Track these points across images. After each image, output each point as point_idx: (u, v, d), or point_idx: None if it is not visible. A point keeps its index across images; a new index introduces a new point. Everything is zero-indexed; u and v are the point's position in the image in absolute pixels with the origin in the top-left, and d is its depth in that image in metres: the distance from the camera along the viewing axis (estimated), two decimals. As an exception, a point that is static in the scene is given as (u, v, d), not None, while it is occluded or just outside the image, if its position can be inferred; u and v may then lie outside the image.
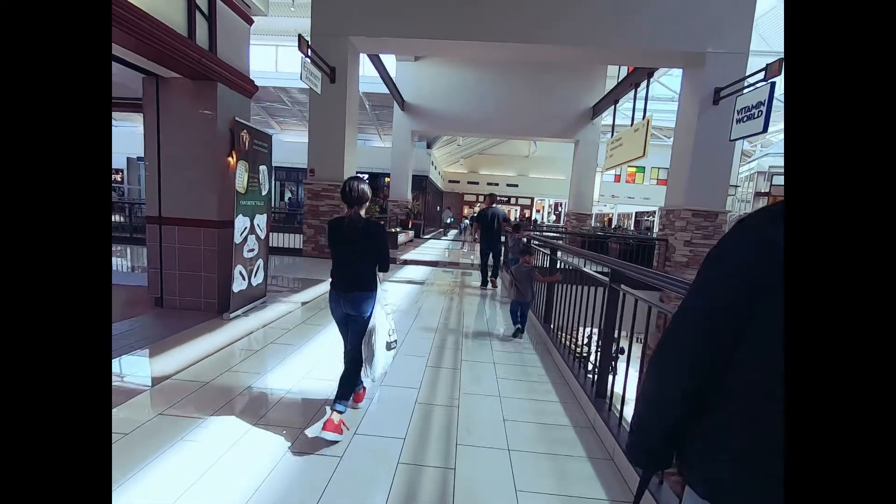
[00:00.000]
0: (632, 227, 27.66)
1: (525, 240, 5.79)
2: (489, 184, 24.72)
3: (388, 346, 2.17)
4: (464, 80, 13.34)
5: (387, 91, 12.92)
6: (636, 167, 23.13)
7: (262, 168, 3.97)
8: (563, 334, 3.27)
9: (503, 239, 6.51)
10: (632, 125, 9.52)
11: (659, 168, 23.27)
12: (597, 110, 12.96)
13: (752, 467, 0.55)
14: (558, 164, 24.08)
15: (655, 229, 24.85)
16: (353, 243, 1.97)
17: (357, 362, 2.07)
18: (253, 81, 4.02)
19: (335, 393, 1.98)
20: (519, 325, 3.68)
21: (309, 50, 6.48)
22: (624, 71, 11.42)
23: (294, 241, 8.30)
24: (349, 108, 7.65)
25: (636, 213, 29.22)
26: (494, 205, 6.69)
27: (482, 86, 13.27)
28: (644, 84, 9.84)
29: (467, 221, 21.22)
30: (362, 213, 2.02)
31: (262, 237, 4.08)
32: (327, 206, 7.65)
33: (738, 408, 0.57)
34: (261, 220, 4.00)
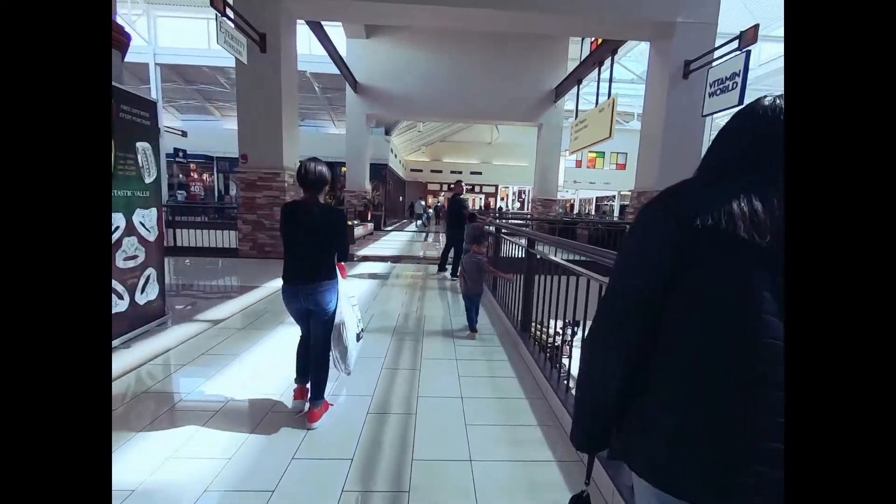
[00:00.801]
0: (592, 212, 28.04)
1: (490, 228, 5.21)
2: (452, 172, 23.92)
3: (358, 337, 2.04)
4: (420, 61, 12.33)
5: (337, 72, 11.70)
6: (596, 152, 23.18)
7: (143, 146, 2.91)
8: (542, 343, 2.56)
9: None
10: (596, 106, 9.06)
11: (618, 153, 23.48)
12: (559, 92, 12.41)
13: (685, 445, 0.55)
14: (521, 150, 23.68)
15: (616, 213, 25.27)
16: (310, 231, 1.81)
17: (326, 355, 1.94)
18: (122, 28, 2.92)
19: (309, 395, 1.94)
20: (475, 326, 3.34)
21: (226, 8, 5.29)
22: (587, 50, 10.91)
23: (231, 239, 7.12)
24: (286, 83, 6.52)
25: (596, 198, 29.68)
26: (461, 193, 6.02)
27: (440, 67, 12.33)
28: (608, 62, 9.37)
29: (431, 211, 20.38)
30: (320, 198, 1.85)
31: (152, 239, 3.04)
32: (265, 197, 6.54)
33: (669, 384, 0.57)
34: (146, 216, 2.96)
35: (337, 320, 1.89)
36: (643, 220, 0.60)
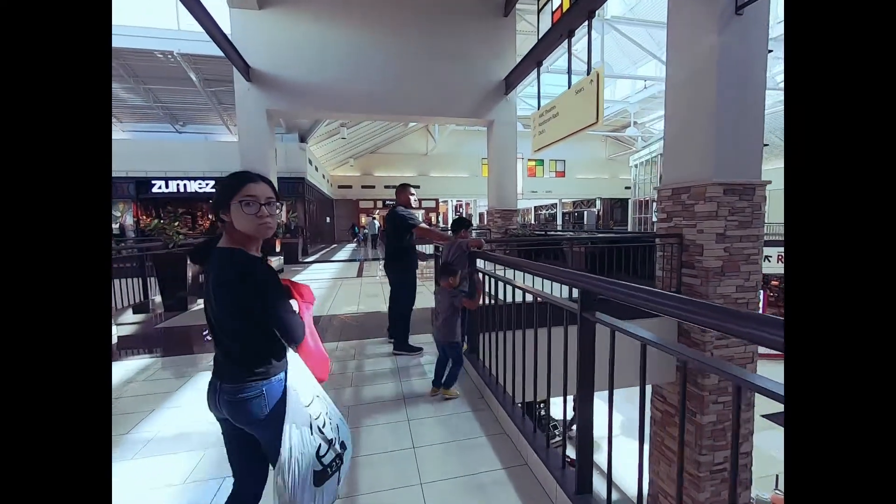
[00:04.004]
0: (532, 221, 26.60)
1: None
2: (387, 187, 20.60)
3: (331, 469, 1.02)
4: (336, 40, 9.03)
5: (221, 54, 7.90)
6: (536, 160, 21.63)
7: None
8: None
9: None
10: (570, 88, 6.61)
11: (556, 160, 22.19)
12: (510, 82, 9.95)
13: None
14: (460, 160, 21.23)
15: (559, 221, 23.94)
16: (214, 297, 0.99)
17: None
18: None
19: None
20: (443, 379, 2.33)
21: None
22: (545, 26, 8.57)
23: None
24: None
25: (535, 207, 28.46)
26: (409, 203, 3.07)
27: (362, 48, 9.15)
28: (581, 29, 7.01)
29: (367, 231, 16.80)
30: (253, 249, 1.00)
31: None
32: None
33: None
34: None
35: (282, 456, 0.92)
36: None
